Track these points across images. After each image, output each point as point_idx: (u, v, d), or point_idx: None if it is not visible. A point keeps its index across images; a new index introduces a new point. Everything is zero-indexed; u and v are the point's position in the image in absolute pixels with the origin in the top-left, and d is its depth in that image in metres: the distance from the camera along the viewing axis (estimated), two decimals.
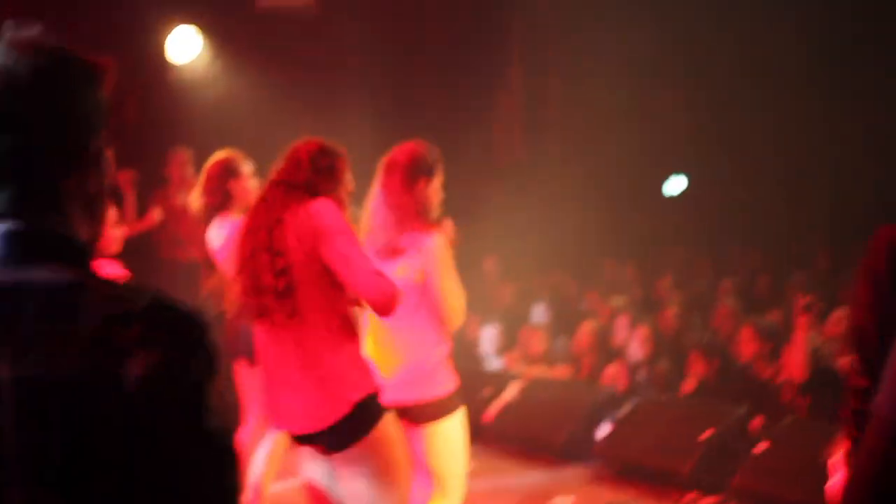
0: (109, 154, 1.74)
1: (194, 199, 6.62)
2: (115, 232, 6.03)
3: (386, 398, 4.68)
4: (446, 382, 5.15)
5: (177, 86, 11.11)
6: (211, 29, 10.95)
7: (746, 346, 8.40)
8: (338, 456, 4.28)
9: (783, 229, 14.21)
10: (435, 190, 5.14)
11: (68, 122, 1.67)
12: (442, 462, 5.13)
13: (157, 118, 10.94)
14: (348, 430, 4.21)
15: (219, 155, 6.64)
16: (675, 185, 16.19)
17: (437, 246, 4.97)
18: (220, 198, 6.55)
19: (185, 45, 10.84)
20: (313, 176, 4.36)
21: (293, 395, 4.27)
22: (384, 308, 4.23)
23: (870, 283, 2.61)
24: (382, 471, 4.25)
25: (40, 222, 1.64)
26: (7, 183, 1.65)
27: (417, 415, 5.09)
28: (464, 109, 13.50)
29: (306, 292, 4.22)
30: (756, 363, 8.37)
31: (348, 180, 4.50)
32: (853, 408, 2.93)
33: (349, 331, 4.28)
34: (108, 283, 1.61)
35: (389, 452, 4.26)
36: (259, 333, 4.42)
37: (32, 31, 1.68)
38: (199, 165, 9.71)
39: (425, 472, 5.17)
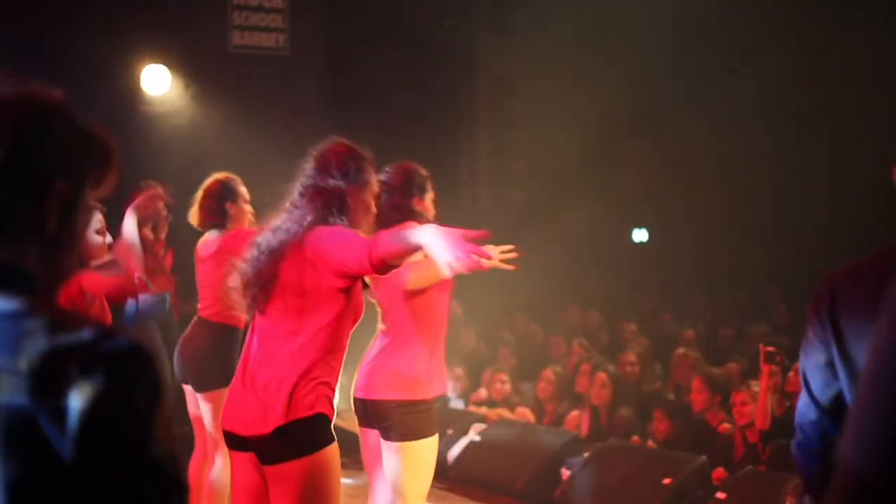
0: (85, 205, 1.72)
1: (192, 217, 6.69)
2: (98, 239, 6.02)
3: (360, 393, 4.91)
4: (426, 391, 5.23)
5: (148, 119, 11.14)
6: (184, 66, 11.00)
7: (697, 396, 8.52)
8: (270, 470, 4.14)
9: (744, 281, 14.33)
10: (427, 207, 5.36)
11: (35, 153, 1.65)
12: (408, 481, 5.17)
13: (127, 152, 10.94)
14: (288, 443, 4.08)
15: (218, 175, 6.73)
16: (639, 237, 16.37)
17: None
18: (219, 218, 6.64)
19: (156, 80, 10.89)
20: (339, 180, 4.31)
21: (249, 391, 4.19)
22: (374, 262, 4.00)
23: (811, 325, 2.67)
24: (311, 499, 4.07)
25: None
26: None
27: (391, 427, 5.16)
28: (428, 159, 13.55)
29: (302, 301, 4.17)
30: (707, 413, 8.46)
31: (374, 184, 4.46)
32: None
33: (328, 349, 4.18)
34: (54, 314, 1.59)
35: (324, 483, 4.09)
36: (252, 328, 4.36)
37: (46, 88, 1.70)
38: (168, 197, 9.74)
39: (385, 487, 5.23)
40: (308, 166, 4.41)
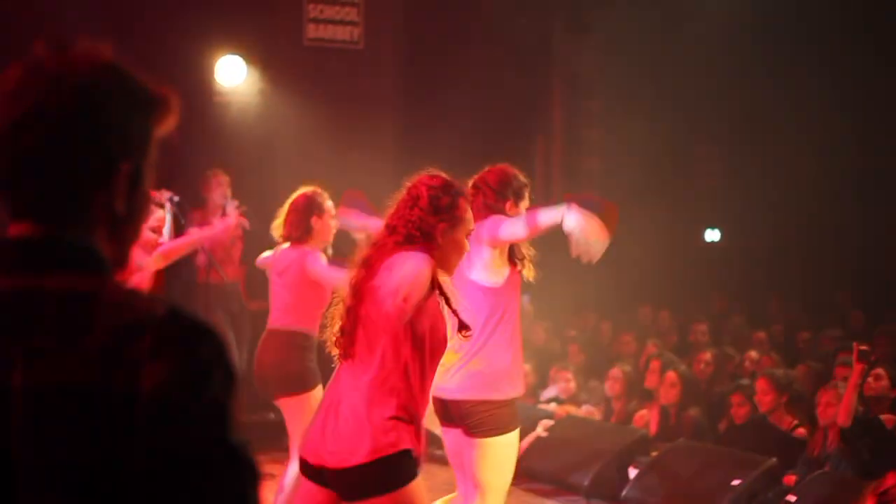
0: (148, 183, 1.71)
1: (275, 229, 6.73)
2: (152, 235, 6.07)
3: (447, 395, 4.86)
4: (508, 390, 5.21)
5: (221, 111, 11.22)
6: (259, 58, 11.07)
7: (763, 398, 8.45)
8: None
9: (817, 285, 14.15)
10: (520, 214, 5.38)
11: (103, 137, 1.63)
12: (490, 476, 5.19)
13: (199, 142, 11.04)
14: (371, 480, 3.97)
15: (305, 189, 6.76)
16: (711, 237, 16.26)
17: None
18: (301, 231, 6.67)
19: (232, 72, 10.97)
20: (429, 216, 4.17)
21: (330, 422, 4.08)
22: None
23: None
24: None
25: (59, 230, 1.61)
26: (29, 183, 1.62)
27: (475, 425, 5.18)
28: (503, 153, 13.53)
29: (370, 334, 4.08)
30: (772, 415, 8.38)
31: (469, 220, 4.30)
32: None
33: (408, 381, 4.06)
34: (126, 294, 1.58)
35: None
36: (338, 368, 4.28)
37: (98, 48, 1.67)
38: (236, 189, 9.84)
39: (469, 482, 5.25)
40: (399, 198, 4.27)
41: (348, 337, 4.14)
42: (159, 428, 1.49)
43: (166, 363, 1.50)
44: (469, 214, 4.31)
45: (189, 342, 1.54)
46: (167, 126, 1.72)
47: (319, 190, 6.78)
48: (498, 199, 5.39)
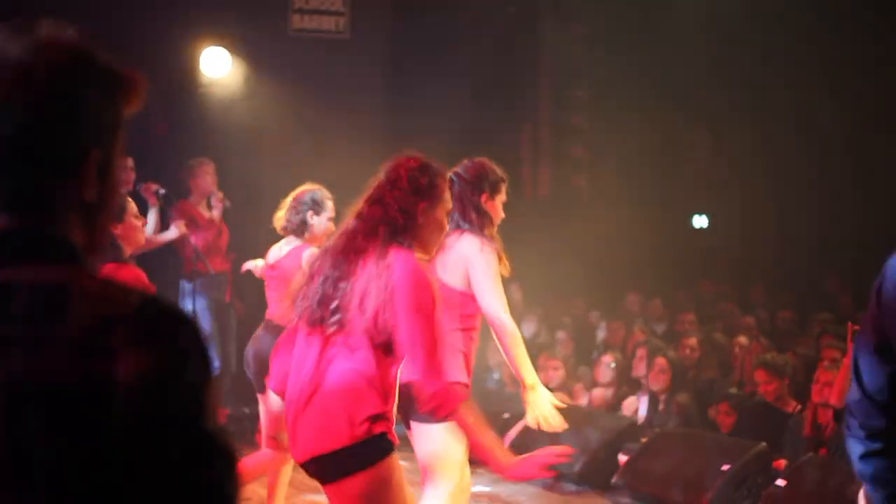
0: (121, 166, 1.69)
1: (277, 220, 6.76)
2: (138, 223, 6.05)
3: None
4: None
5: (205, 101, 11.19)
6: (244, 47, 11.03)
7: (766, 387, 8.48)
8: (331, 488, 4.07)
9: (808, 270, 14.18)
10: (495, 208, 5.44)
11: (72, 124, 1.60)
12: (433, 461, 5.20)
13: (184, 133, 11.01)
14: (346, 459, 3.98)
15: (309, 185, 6.79)
16: (699, 223, 16.28)
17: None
18: (297, 224, 6.69)
19: (216, 62, 10.93)
20: (409, 196, 4.21)
21: (310, 413, 4.05)
22: (424, 400, 3.99)
23: (869, 305, 2.65)
24: None
25: (29, 221, 1.58)
26: None
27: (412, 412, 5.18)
28: (490, 142, 13.54)
29: (357, 317, 4.05)
30: (779, 401, 8.41)
31: (447, 200, 4.37)
32: None
33: (387, 365, 4.07)
34: (99, 284, 1.55)
35: (388, 496, 4.01)
36: (299, 345, 4.24)
37: (66, 31, 1.63)
38: (222, 179, 9.82)
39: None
40: (377, 180, 4.31)
41: (341, 316, 4.11)
42: (136, 417, 1.47)
43: (142, 352, 1.48)
44: (447, 194, 4.37)
45: (165, 331, 1.52)
46: (135, 106, 1.69)
47: (324, 189, 6.80)
48: (474, 191, 5.40)
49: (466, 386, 5.25)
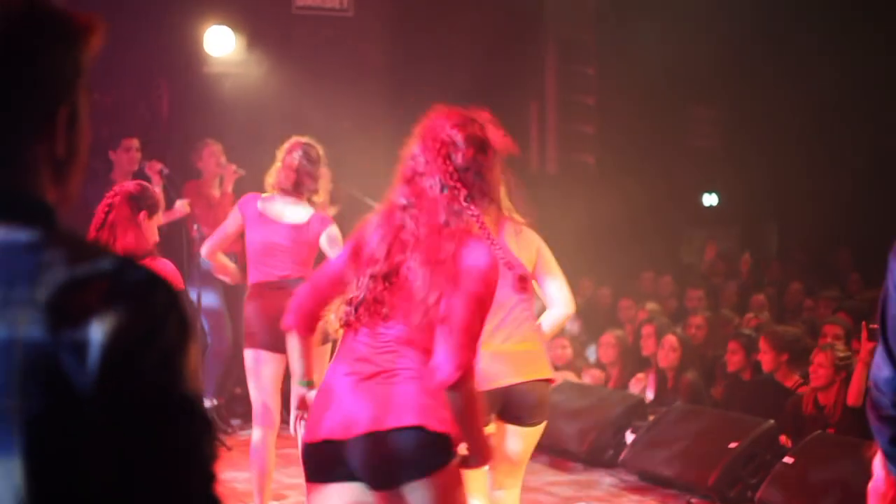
0: (85, 116, 1.64)
1: (268, 178, 6.76)
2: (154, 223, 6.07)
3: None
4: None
5: (210, 81, 11.14)
6: (247, 26, 10.98)
7: (764, 356, 8.50)
8: (385, 494, 3.60)
9: (817, 247, 14.15)
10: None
11: (38, 83, 1.57)
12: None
13: (188, 113, 10.98)
14: (418, 456, 3.53)
15: (299, 138, 6.78)
16: (709, 201, 16.25)
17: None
18: (293, 182, 6.68)
19: (220, 41, 10.87)
20: (478, 154, 3.71)
21: (365, 393, 3.61)
22: (444, 378, 3.50)
23: (887, 274, 2.58)
24: None
25: (1, 182, 1.56)
26: None
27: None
28: (497, 119, 13.50)
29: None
30: (777, 373, 8.41)
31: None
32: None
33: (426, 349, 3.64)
34: (73, 244, 1.52)
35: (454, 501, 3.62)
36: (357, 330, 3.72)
37: None
38: (227, 159, 9.78)
39: None
40: (419, 148, 3.77)
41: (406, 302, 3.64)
42: (111, 379, 1.44)
43: (115, 315, 1.45)
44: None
45: (140, 292, 1.49)
46: (95, 49, 1.64)
47: (312, 141, 6.85)
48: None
49: None
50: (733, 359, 8.86)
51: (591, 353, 10.64)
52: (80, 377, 1.44)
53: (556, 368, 10.07)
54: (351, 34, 11.96)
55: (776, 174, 14.59)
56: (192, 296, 9.25)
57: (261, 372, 6.78)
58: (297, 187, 6.74)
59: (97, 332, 1.44)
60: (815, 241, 14.33)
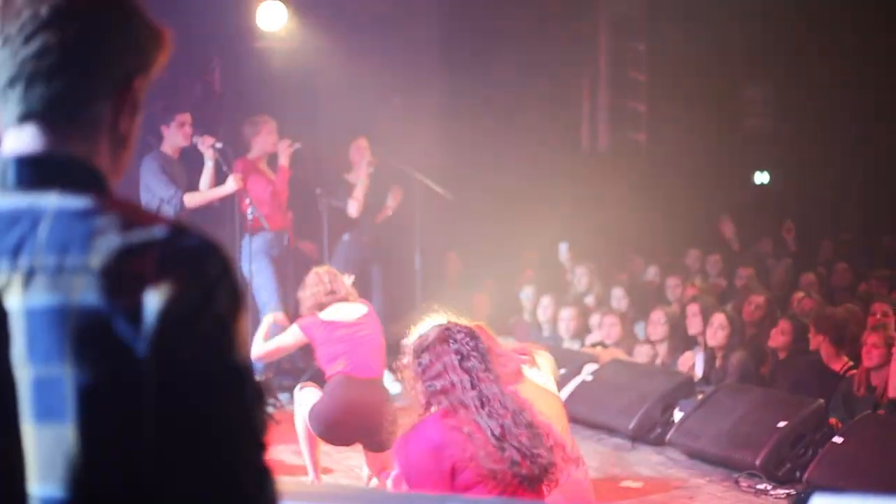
0: (143, 102, 1.69)
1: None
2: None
3: None
4: None
5: (263, 55, 11.17)
6: (300, 2, 10.98)
7: (813, 338, 8.49)
8: None
9: (870, 226, 14.02)
10: None
11: (125, 46, 1.63)
12: None
13: (242, 86, 11.01)
14: None
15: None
16: (761, 179, 16.14)
17: None
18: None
19: (272, 16, 10.89)
20: None
21: None
22: None
23: None
24: None
25: (63, 143, 1.59)
26: (43, 82, 1.58)
27: None
28: (549, 97, 13.47)
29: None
30: (825, 355, 8.40)
31: None
32: None
33: None
34: (126, 211, 1.54)
35: None
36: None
37: None
38: (281, 133, 9.81)
39: None
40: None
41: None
42: (165, 346, 1.46)
43: (170, 282, 1.47)
44: None
45: (193, 260, 1.51)
46: (161, 66, 1.70)
47: None
48: None
49: None
50: (780, 339, 8.83)
51: (640, 331, 10.60)
52: (135, 343, 1.46)
53: (605, 346, 10.08)
54: (402, 9, 11.95)
55: (828, 153, 14.47)
56: (245, 270, 9.31)
57: None
58: None
59: (152, 299, 1.46)
60: (866, 222, 14.19)
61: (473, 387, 4.15)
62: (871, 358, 7.75)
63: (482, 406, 4.12)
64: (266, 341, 7.22)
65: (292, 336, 7.04)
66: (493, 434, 4.06)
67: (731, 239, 13.39)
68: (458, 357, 4.20)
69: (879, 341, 7.70)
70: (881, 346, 7.68)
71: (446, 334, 4.25)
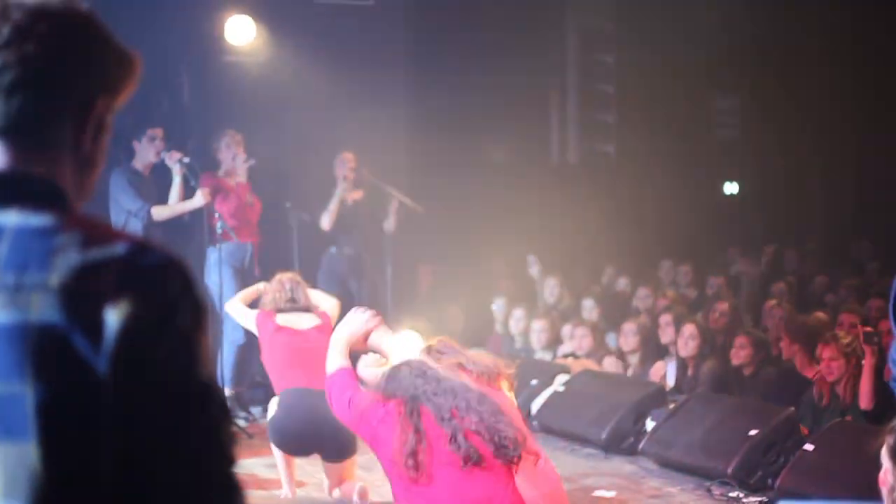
0: (110, 123, 1.69)
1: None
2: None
3: None
4: None
5: (231, 70, 11.14)
6: (268, 15, 10.97)
7: (784, 346, 8.55)
8: None
9: (837, 236, 14.10)
10: None
11: (87, 66, 1.62)
12: None
13: (208, 103, 10.99)
14: None
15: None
16: (730, 190, 16.21)
17: None
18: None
19: (241, 31, 10.88)
20: None
21: None
22: None
23: None
24: None
25: (27, 161, 1.59)
26: (7, 102, 1.58)
27: None
28: (517, 109, 13.50)
29: None
30: (797, 362, 8.43)
31: None
32: None
33: None
34: (87, 228, 1.53)
35: None
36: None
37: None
38: (247, 150, 9.80)
39: None
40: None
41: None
42: (126, 363, 1.46)
43: (129, 299, 1.47)
44: None
45: (153, 277, 1.50)
46: (129, 92, 1.70)
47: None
48: None
49: None
50: (740, 353, 8.86)
51: (611, 341, 10.63)
52: (95, 361, 1.45)
53: (577, 357, 10.09)
54: (371, 24, 11.95)
55: (799, 163, 14.55)
56: (210, 281, 9.29)
57: None
58: None
59: (112, 316, 1.46)
60: (834, 230, 14.28)
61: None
62: (831, 372, 7.77)
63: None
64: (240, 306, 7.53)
65: (251, 317, 7.34)
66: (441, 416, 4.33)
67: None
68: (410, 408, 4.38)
69: (835, 353, 7.72)
70: (838, 357, 7.69)
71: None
